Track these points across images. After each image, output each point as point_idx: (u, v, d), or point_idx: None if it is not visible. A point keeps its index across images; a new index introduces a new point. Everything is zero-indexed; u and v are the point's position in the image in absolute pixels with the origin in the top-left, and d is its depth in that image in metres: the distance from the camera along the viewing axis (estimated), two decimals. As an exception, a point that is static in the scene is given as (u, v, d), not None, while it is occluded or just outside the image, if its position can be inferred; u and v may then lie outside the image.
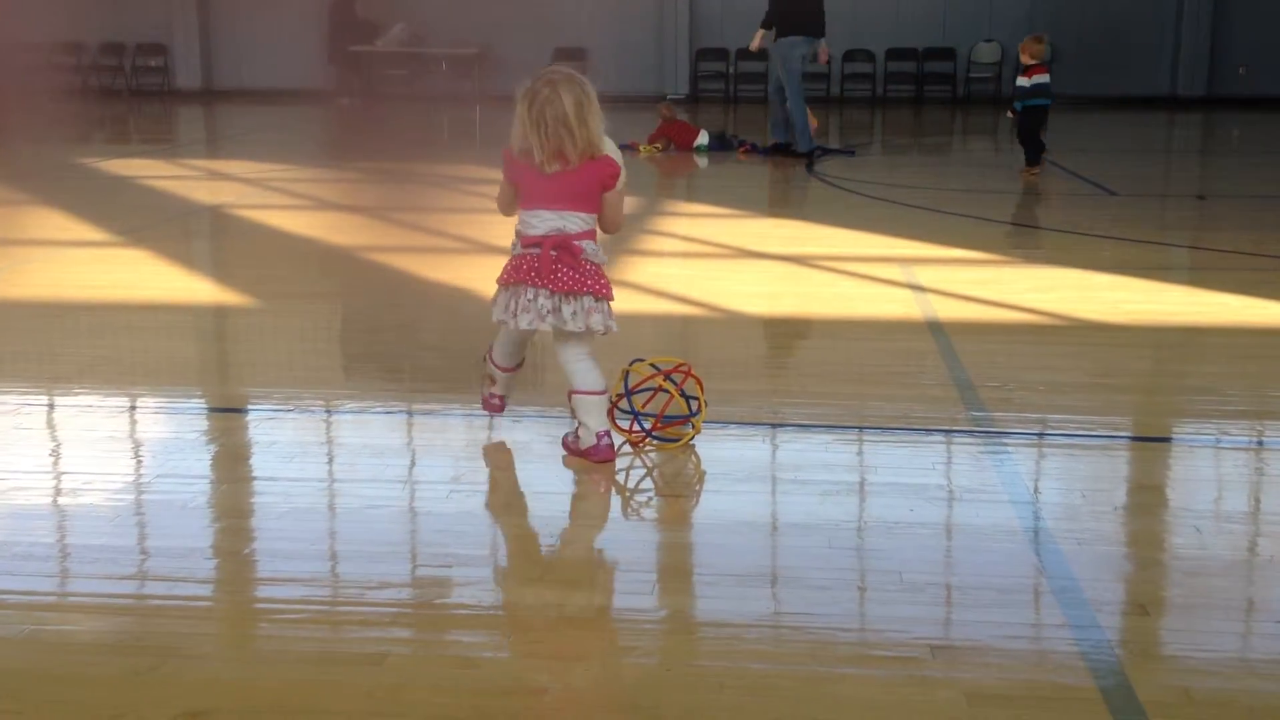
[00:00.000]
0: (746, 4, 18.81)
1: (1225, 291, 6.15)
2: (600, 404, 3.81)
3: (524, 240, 3.77)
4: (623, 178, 3.78)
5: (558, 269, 3.69)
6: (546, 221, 3.74)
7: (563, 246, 3.70)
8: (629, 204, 4.20)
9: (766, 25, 11.83)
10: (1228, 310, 5.84)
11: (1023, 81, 10.78)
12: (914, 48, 19.25)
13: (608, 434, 3.81)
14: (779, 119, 12.03)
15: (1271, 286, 6.27)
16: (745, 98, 19.14)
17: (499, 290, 3.81)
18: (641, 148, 12.33)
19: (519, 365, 4.14)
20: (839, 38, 18.83)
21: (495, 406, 4.20)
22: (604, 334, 3.78)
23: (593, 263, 3.75)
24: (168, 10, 20.10)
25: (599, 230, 3.84)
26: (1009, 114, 10.98)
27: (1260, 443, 4.13)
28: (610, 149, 3.76)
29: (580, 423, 3.82)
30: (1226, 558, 3.19)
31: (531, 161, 3.69)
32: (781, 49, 11.68)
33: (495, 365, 4.12)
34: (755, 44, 12.03)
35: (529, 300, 3.72)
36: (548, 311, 3.72)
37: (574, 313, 3.72)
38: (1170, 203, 10.02)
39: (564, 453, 3.87)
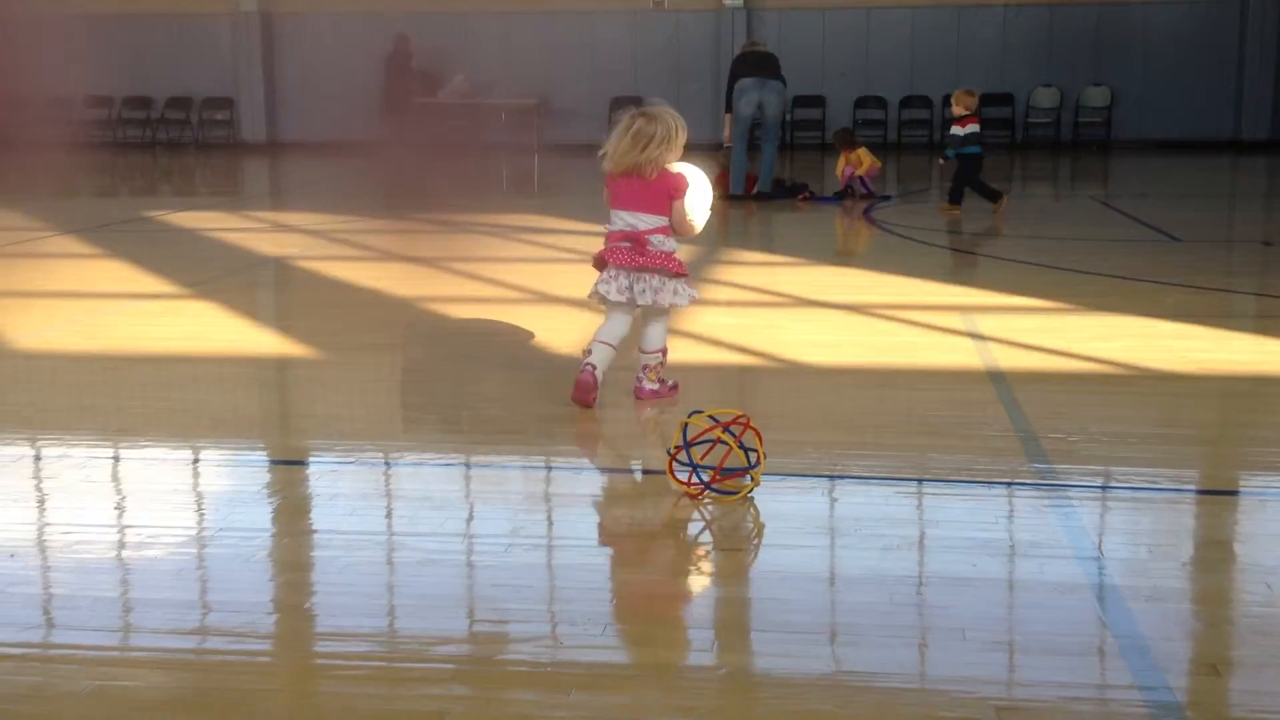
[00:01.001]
0: (803, 51, 18.94)
1: (1294, 339, 6.05)
2: (653, 356, 4.99)
3: (608, 235, 4.93)
4: (693, 194, 4.82)
5: (628, 254, 4.83)
6: (623, 219, 4.89)
7: (633, 239, 4.84)
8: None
9: (729, 109, 12.51)
10: (1297, 358, 5.74)
11: (956, 130, 11.33)
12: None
13: (643, 385, 4.99)
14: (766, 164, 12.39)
15: (1342, 334, 6.16)
16: (802, 144, 19.18)
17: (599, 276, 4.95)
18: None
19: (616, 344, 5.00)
20: (897, 85, 18.90)
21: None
22: (682, 305, 4.95)
23: (660, 250, 4.82)
24: (234, 65, 20.53)
25: (674, 231, 4.90)
26: (941, 161, 11.57)
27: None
28: (687, 169, 4.85)
29: (642, 370, 5.02)
30: (1301, 616, 3.11)
31: (622, 172, 4.83)
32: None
33: (598, 341, 4.96)
34: (726, 134, 12.65)
35: (610, 277, 4.89)
36: (625, 287, 4.85)
37: (643, 290, 4.85)
38: (1235, 248, 9.89)
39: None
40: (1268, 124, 18.53)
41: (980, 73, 19.11)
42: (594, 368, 4.88)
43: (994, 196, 11.29)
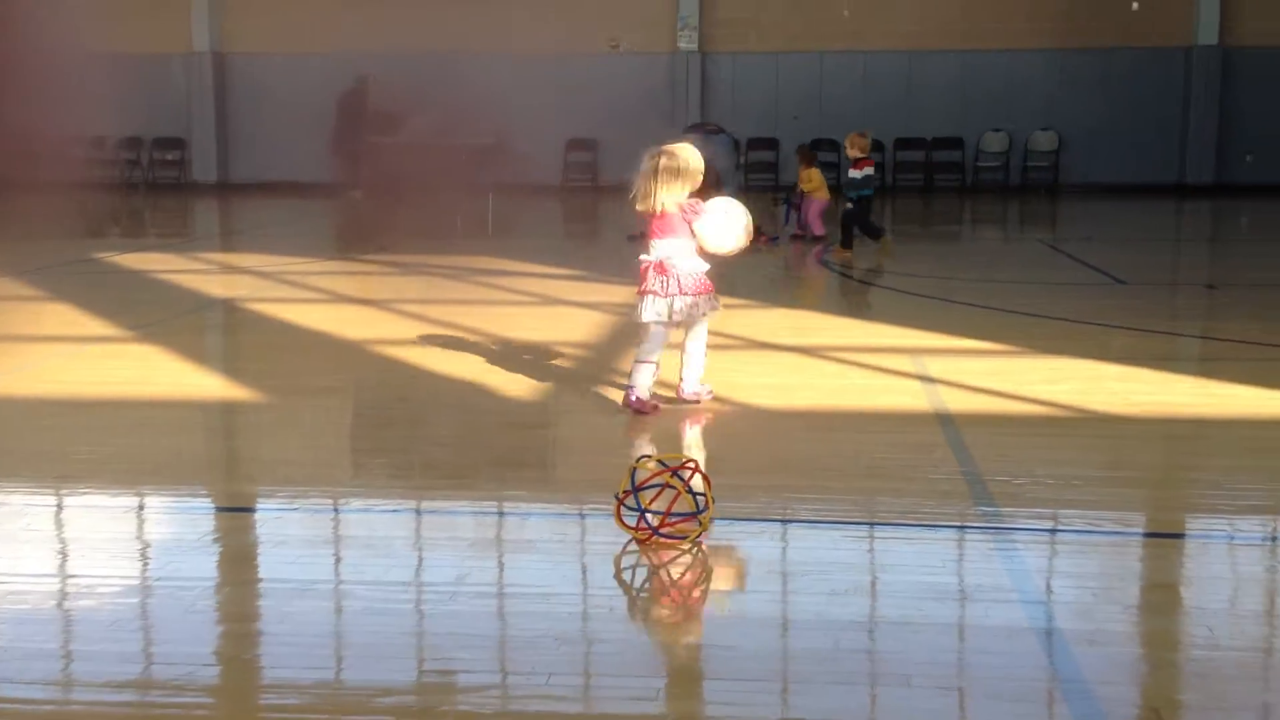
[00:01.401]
0: (756, 97, 19.11)
1: (1236, 382, 6.13)
2: (642, 370, 5.50)
3: (642, 265, 5.52)
4: (710, 217, 5.44)
5: (655, 279, 5.45)
6: (656, 249, 5.49)
7: (660, 267, 5.45)
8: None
9: None
10: (1239, 401, 5.81)
11: (854, 174, 11.59)
12: (923, 137, 19.44)
13: (632, 392, 5.49)
14: None
15: (1283, 376, 6.25)
16: (755, 186, 19.32)
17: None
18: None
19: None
20: (849, 128, 19.06)
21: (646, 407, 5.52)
22: (708, 315, 5.60)
23: (683, 273, 5.46)
24: (186, 104, 20.44)
25: (704, 249, 5.51)
26: (847, 204, 11.73)
27: (1274, 538, 4.09)
28: (714, 200, 5.50)
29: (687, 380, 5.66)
30: (1240, 659, 3.14)
31: (650, 206, 5.43)
32: None
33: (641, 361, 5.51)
34: None
35: (654, 303, 5.48)
36: (663, 305, 5.46)
37: (668, 308, 5.46)
38: (1180, 292, 10.03)
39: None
40: (1211, 169, 18.85)
41: (931, 117, 19.34)
42: (641, 385, 5.57)
43: (877, 235, 11.63)
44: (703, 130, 13.14)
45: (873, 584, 3.62)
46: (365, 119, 18.92)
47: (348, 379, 6.68)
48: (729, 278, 10.93)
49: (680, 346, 5.69)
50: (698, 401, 5.68)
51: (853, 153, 11.73)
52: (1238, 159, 18.84)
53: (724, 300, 9.41)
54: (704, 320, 5.61)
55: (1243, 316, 8.26)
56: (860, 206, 11.58)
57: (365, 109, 18.95)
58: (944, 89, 19.38)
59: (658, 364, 5.57)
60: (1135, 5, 18.82)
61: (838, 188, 12.88)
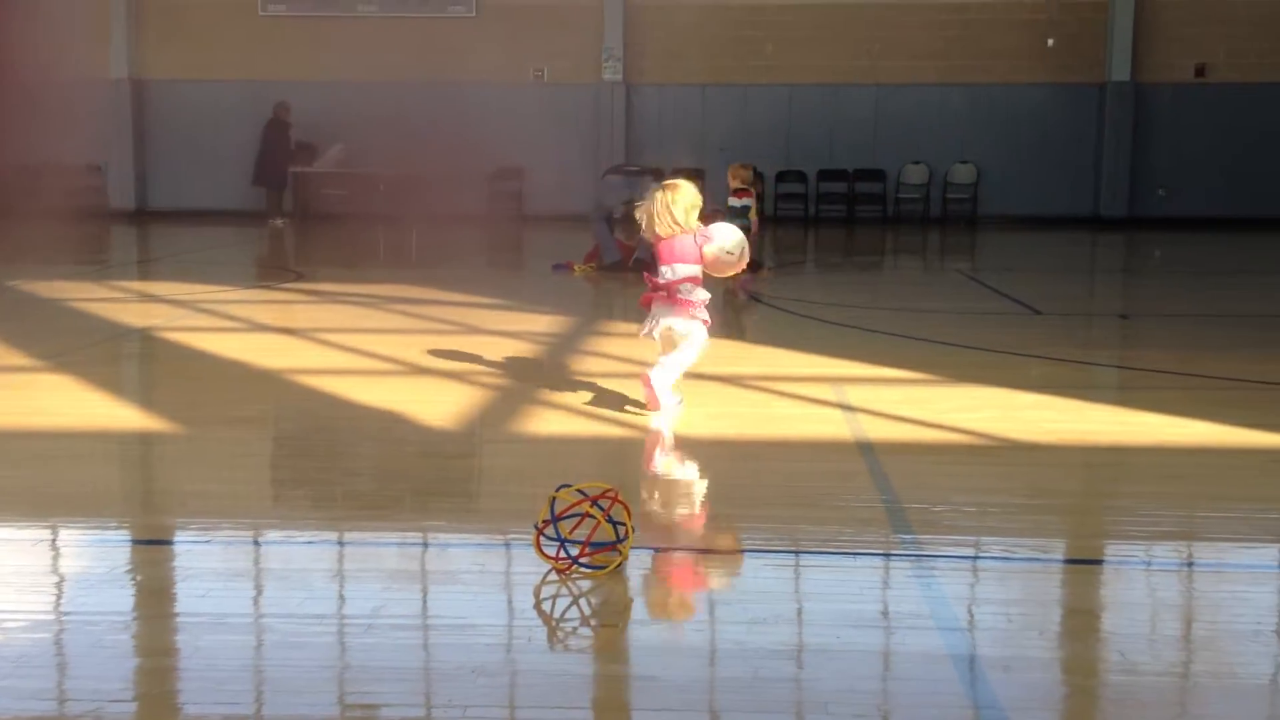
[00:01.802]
0: (682, 128, 19.23)
1: (1149, 410, 6.24)
2: (664, 371, 5.96)
3: (651, 284, 6.00)
4: (719, 243, 5.90)
5: (662, 299, 5.95)
6: (664, 274, 5.94)
7: (668, 290, 5.92)
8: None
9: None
10: (1152, 429, 5.92)
11: (734, 202, 11.76)
12: (845, 169, 19.68)
13: (651, 389, 5.93)
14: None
15: (1194, 405, 6.38)
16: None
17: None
18: (576, 267, 12.43)
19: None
20: (774, 159, 19.28)
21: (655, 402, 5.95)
22: (701, 340, 5.96)
23: (687, 299, 5.90)
24: (103, 131, 20.15)
25: (710, 269, 6.00)
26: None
27: (1190, 564, 4.16)
28: (717, 229, 5.97)
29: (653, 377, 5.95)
30: (1156, 684, 3.18)
31: (656, 235, 5.94)
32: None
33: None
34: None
35: (652, 321, 6.01)
36: (657, 326, 5.98)
37: (671, 326, 5.95)
38: (1094, 321, 10.21)
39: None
40: (1124, 203, 19.27)
41: (853, 149, 19.59)
42: (655, 381, 5.97)
43: (756, 267, 11.63)
44: (623, 171, 13.23)
45: (791, 612, 3.63)
46: (288, 148, 18.80)
47: (266, 409, 6.59)
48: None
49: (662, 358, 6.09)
50: (657, 409, 5.98)
51: (733, 183, 11.93)
52: (1150, 193, 19.29)
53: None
54: (695, 343, 6.01)
55: (1155, 346, 8.44)
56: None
57: (288, 138, 18.83)
58: (865, 122, 19.66)
59: (678, 371, 6.06)
60: (1050, 42, 19.24)
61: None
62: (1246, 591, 3.85)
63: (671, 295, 5.95)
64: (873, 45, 19.35)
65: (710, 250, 5.93)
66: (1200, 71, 19.20)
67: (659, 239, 5.98)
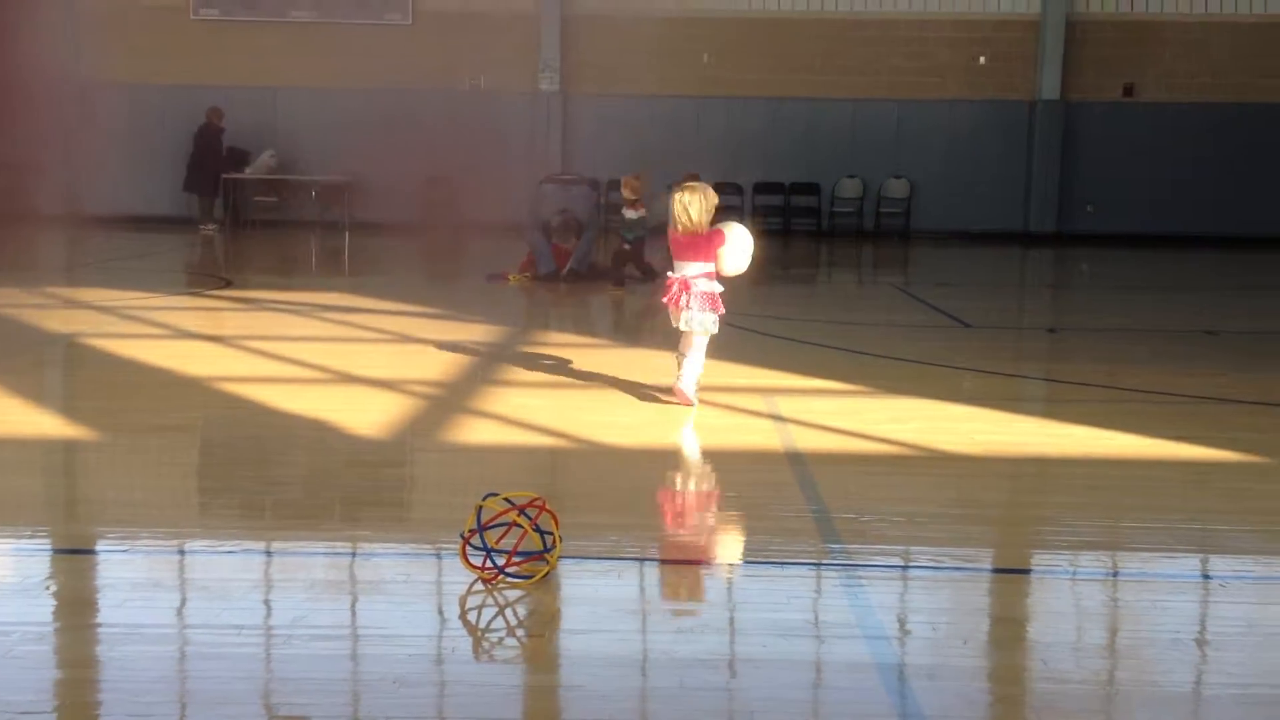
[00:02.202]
0: (618, 137, 19.23)
1: (1075, 423, 6.31)
2: (689, 367, 6.45)
3: (667, 280, 6.48)
4: (731, 243, 6.29)
5: (679, 295, 6.38)
6: (681, 269, 6.41)
7: (683, 284, 6.37)
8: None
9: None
10: (1077, 441, 5.99)
11: (629, 214, 12.03)
12: (781, 182, 19.79)
13: (680, 386, 6.47)
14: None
15: (1119, 417, 6.47)
16: (617, 229, 19.42)
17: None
18: (511, 277, 12.38)
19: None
20: (712, 171, 19.31)
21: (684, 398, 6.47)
22: (711, 331, 6.43)
23: (703, 291, 6.36)
24: (31, 133, 19.77)
25: (721, 272, 6.41)
26: (625, 246, 12.23)
27: (1114, 574, 4.21)
28: (729, 228, 6.36)
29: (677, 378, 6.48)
30: (1080, 691, 3.21)
31: (674, 232, 6.37)
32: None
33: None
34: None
35: (671, 311, 6.45)
36: (676, 317, 6.42)
37: (687, 320, 6.37)
38: (1024, 335, 10.34)
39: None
40: (1053, 218, 19.54)
41: (789, 162, 19.70)
42: (682, 382, 6.48)
43: (652, 276, 11.90)
44: (559, 180, 13.20)
45: (720, 621, 3.62)
46: (220, 154, 18.58)
47: (192, 417, 6.49)
48: (589, 318, 10.98)
49: (680, 352, 6.51)
50: (690, 404, 6.44)
51: (626, 194, 12.17)
52: (1079, 209, 19.57)
53: (583, 341, 9.46)
54: (706, 333, 6.44)
55: (1081, 359, 8.55)
56: (635, 247, 12.07)
57: (220, 143, 18.62)
58: (801, 135, 19.78)
59: (700, 367, 6.51)
60: (982, 60, 19.49)
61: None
62: (1168, 601, 3.91)
63: (686, 289, 6.37)
64: (809, 60, 19.49)
65: (723, 251, 6.34)
66: (1129, 91, 19.53)
67: (676, 237, 6.39)
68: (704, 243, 6.34)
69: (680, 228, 6.37)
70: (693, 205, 6.32)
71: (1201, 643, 3.53)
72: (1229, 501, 5.06)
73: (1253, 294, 13.09)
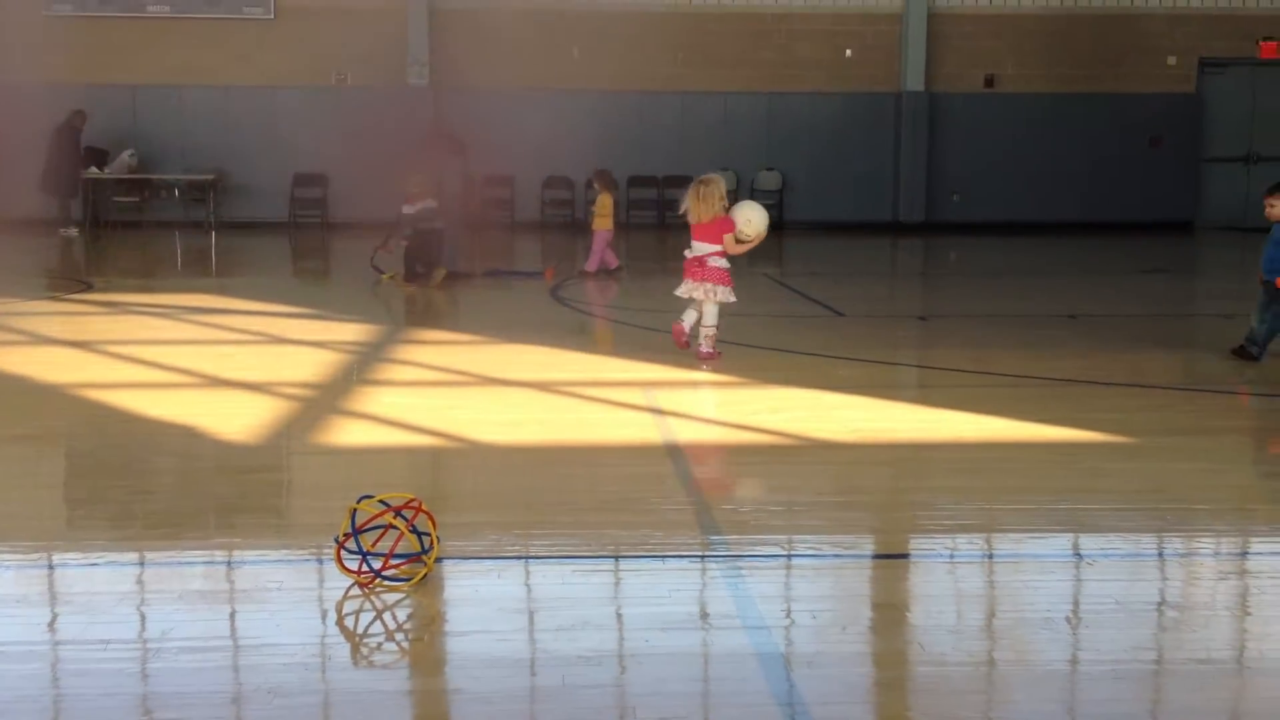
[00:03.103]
0: (491, 131, 19.05)
1: (947, 408, 6.42)
2: (707, 330, 7.63)
3: (686, 260, 7.69)
4: (739, 230, 7.53)
5: (695, 269, 7.62)
6: (696, 249, 7.62)
7: (699, 260, 7.59)
8: None
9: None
10: (951, 426, 6.09)
11: (409, 209, 11.93)
12: (655, 175, 19.83)
13: (708, 354, 7.61)
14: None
15: (989, 402, 6.60)
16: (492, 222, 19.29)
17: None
18: (384, 276, 12.21)
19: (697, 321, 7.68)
20: (583, 166, 19.29)
21: (709, 356, 7.63)
22: (727, 301, 7.64)
23: (715, 267, 7.56)
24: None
25: (727, 251, 7.58)
26: (402, 242, 12.13)
27: (989, 555, 4.28)
28: (741, 215, 7.58)
29: (703, 339, 7.62)
30: (959, 673, 3.25)
31: (692, 220, 7.55)
32: None
33: (682, 324, 7.73)
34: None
35: (686, 286, 7.68)
36: (692, 289, 7.62)
37: (704, 291, 7.56)
38: (896, 323, 10.49)
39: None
40: (922, 208, 19.90)
41: (662, 156, 19.74)
42: (684, 323, 7.68)
43: (412, 278, 11.89)
44: (429, 172, 12.85)
45: (601, 617, 3.59)
46: (78, 153, 17.99)
47: (54, 425, 6.25)
48: (461, 313, 10.86)
49: (699, 322, 7.59)
50: (711, 356, 7.56)
51: (411, 189, 12.08)
52: (945, 198, 19.97)
53: (458, 338, 9.36)
54: (719, 302, 7.59)
55: (951, 345, 8.70)
56: (419, 242, 11.89)
57: (77, 143, 18.02)
58: (672, 129, 19.84)
59: (715, 326, 7.60)
60: (849, 53, 19.76)
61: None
62: (1039, 581, 3.98)
63: (702, 265, 7.56)
64: (679, 53, 19.56)
65: (728, 237, 7.54)
66: (990, 82, 19.97)
67: (694, 222, 7.56)
68: (715, 229, 7.51)
69: (695, 218, 7.53)
70: (709, 198, 7.47)
71: (1073, 621, 3.61)
72: (1095, 481, 5.19)
73: (1110, 278, 13.49)
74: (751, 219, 7.58)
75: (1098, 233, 18.72)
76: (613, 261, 12.86)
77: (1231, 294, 12.89)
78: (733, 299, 7.61)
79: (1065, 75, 19.92)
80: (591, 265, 12.80)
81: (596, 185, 13.34)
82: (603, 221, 12.90)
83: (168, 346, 8.39)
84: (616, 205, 13.40)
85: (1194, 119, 20.29)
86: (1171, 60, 20.16)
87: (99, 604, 3.70)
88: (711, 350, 7.62)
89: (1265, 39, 20.07)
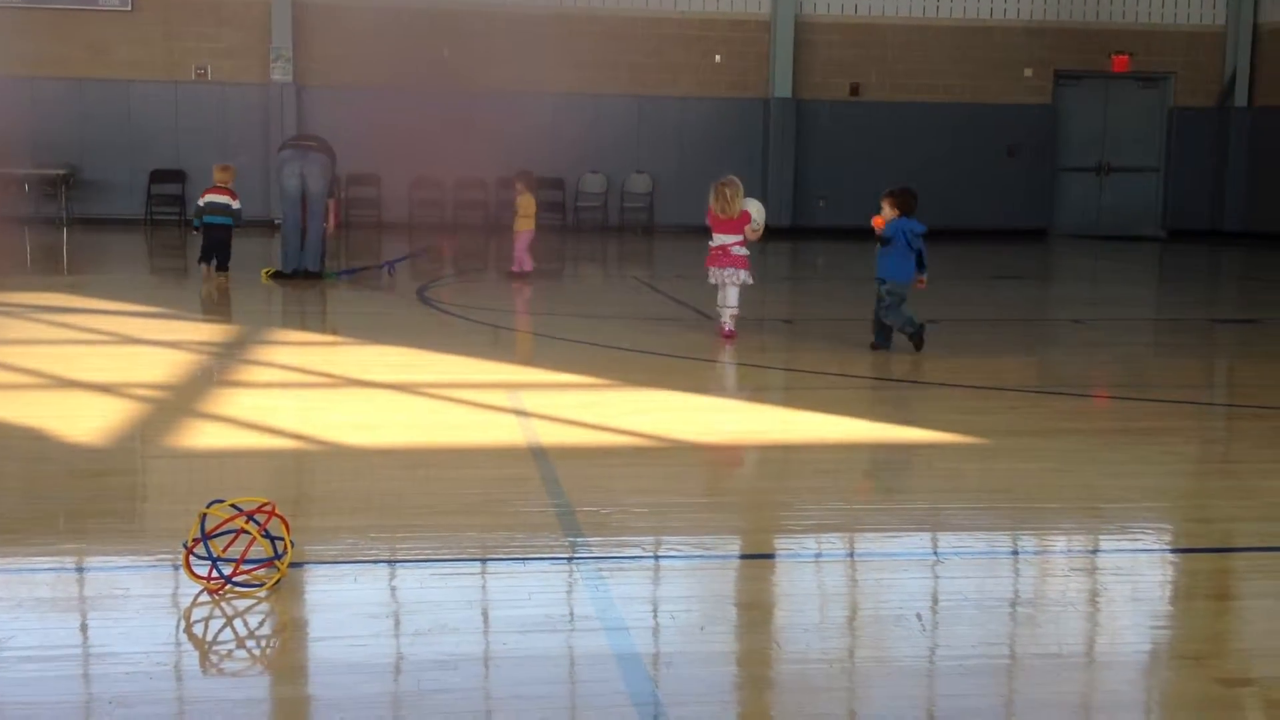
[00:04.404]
0: (356, 129, 18.77)
1: (811, 410, 6.49)
2: (729, 312, 8.80)
3: (711, 249, 8.80)
4: (753, 224, 8.73)
5: (720, 257, 8.75)
6: (720, 239, 8.74)
7: (723, 249, 8.73)
8: None
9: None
10: (814, 427, 6.16)
11: (210, 198, 12.26)
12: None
13: (728, 334, 8.76)
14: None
15: (850, 404, 6.70)
16: (358, 222, 19.02)
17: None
18: (263, 273, 11.99)
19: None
20: (455, 166, 19.09)
21: (732, 334, 8.78)
22: (747, 284, 8.83)
23: (739, 254, 8.69)
24: None
25: (746, 239, 8.74)
26: (194, 230, 12.53)
27: (852, 554, 4.32)
28: (752, 206, 8.80)
29: (725, 320, 8.77)
30: (820, 670, 3.27)
31: (714, 213, 8.73)
32: None
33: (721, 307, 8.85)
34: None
35: (714, 273, 8.80)
36: (719, 273, 8.74)
37: (729, 275, 8.71)
38: (762, 326, 10.58)
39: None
40: (789, 212, 20.17)
41: (533, 157, 19.61)
42: (728, 323, 8.77)
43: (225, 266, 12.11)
44: (296, 145, 12.61)
45: (459, 621, 3.54)
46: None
47: (-115, 428, 5.97)
48: (323, 313, 10.67)
49: (722, 303, 8.73)
50: (734, 335, 8.71)
51: (219, 179, 12.27)
52: (811, 203, 20.27)
53: (319, 339, 9.19)
54: (740, 285, 8.74)
55: (816, 349, 8.81)
56: (217, 232, 12.07)
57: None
58: (545, 131, 19.77)
59: (737, 308, 8.77)
60: (718, 58, 19.93)
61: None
62: (895, 579, 4.04)
63: (726, 252, 8.67)
64: (550, 55, 19.50)
65: (748, 227, 8.72)
66: (855, 90, 20.34)
67: (716, 218, 8.72)
68: (739, 221, 8.68)
69: (721, 212, 8.68)
70: (735, 198, 8.64)
71: (927, 618, 3.66)
72: (952, 480, 5.29)
73: (963, 283, 13.80)
74: (759, 212, 8.85)
75: (956, 239, 19.17)
76: (529, 265, 12.68)
77: (1081, 299, 13.32)
78: (752, 281, 8.88)
79: (926, 85, 20.38)
80: (515, 266, 12.66)
81: (518, 186, 13.11)
82: (524, 223, 12.76)
83: (14, 346, 8.08)
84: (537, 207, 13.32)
85: (1049, 129, 20.93)
86: (1028, 72, 20.76)
87: (-69, 614, 3.53)
88: (734, 330, 8.72)
89: (1117, 53, 20.80)
